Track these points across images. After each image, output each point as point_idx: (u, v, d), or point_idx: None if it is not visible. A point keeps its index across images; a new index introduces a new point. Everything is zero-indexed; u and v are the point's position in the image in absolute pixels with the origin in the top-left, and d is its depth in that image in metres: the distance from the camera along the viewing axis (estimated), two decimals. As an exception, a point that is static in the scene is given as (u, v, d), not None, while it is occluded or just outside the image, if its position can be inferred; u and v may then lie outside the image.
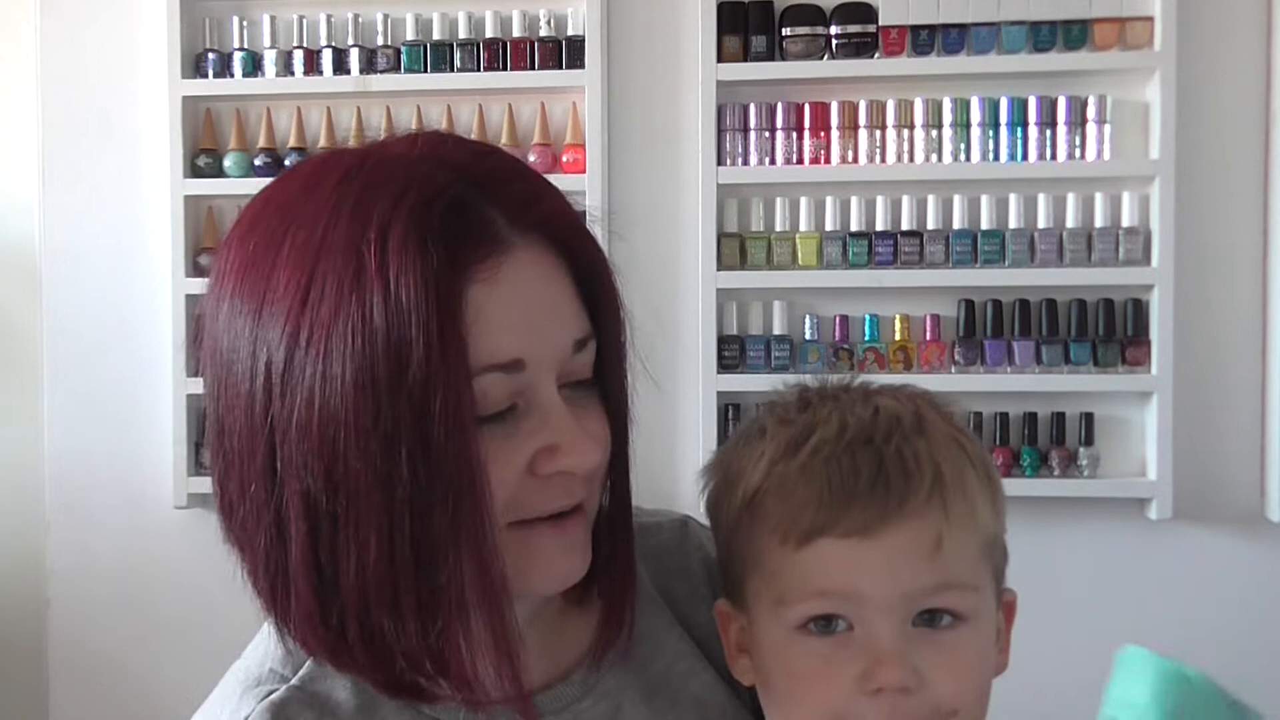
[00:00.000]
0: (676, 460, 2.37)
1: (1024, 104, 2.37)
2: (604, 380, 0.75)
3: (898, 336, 2.41)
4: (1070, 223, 2.37)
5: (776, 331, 2.42)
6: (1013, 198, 2.38)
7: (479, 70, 2.45)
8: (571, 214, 0.74)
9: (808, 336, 2.43)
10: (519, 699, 0.71)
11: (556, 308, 0.71)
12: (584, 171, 2.41)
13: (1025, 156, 2.38)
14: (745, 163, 2.42)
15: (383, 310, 0.65)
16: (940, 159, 2.39)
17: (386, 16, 2.49)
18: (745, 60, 2.41)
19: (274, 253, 0.69)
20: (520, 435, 0.70)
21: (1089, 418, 2.39)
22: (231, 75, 2.51)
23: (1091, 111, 2.36)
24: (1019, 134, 2.38)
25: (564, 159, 2.44)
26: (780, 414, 0.77)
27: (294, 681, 0.75)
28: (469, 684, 0.70)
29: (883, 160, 2.40)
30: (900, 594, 0.71)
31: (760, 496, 0.74)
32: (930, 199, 2.39)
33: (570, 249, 0.72)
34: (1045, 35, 2.37)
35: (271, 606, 0.72)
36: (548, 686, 0.79)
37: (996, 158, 2.38)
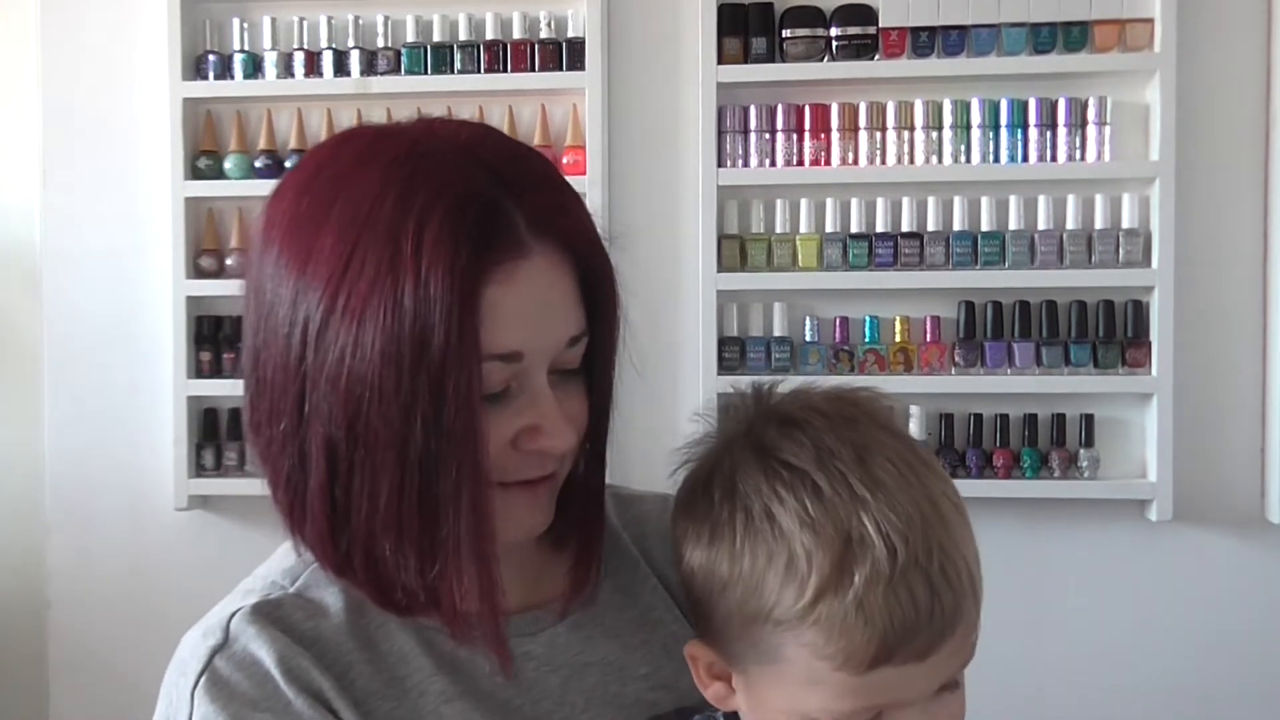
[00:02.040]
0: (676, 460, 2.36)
1: (1024, 106, 2.38)
2: (593, 371, 0.84)
3: (898, 338, 2.41)
4: (1070, 224, 2.37)
5: (777, 333, 2.43)
6: (1013, 199, 2.38)
7: (479, 72, 2.45)
8: (588, 227, 0.82)
9: (808, 338, 2.43)
10: (496, 639, 0.81)
11: (558, 309, 0.79)
12: (584, 173, 2.41)
13: (1025, 158, 2.38)
14: (745, 164, 2.42)
15: (413, 295, 0.73)
16: (940, 161, 2.40)
17: (387, 18, 2.49)
18: (745, 62, 2.41)
19: (322, 218, 0.77)
20: (510, 413, 0.79)
21: (1089, 419, 2.39)
22: (232, 77, 2.52)
23: (1091, 113, 2.37)
24: (1019, 136, 2.38)
25: (564, 160, 2.44)
26: (792, 508, 0.75)
27: (291, 590, 0.84)
28: (456, 620, 0.80)
29: (883, 162, 2.40)
30: (934, 689, 0.76)
31: (803, 623, 0.74)
32: (930, 201, 2.39)
33: (581, 257, 0.81)
34: (1045, 37, 2.37)
35: (288, 521, 0.82)
36: (526, 610, 0.88)
37: (997, 159, 2.38)
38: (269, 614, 0.82)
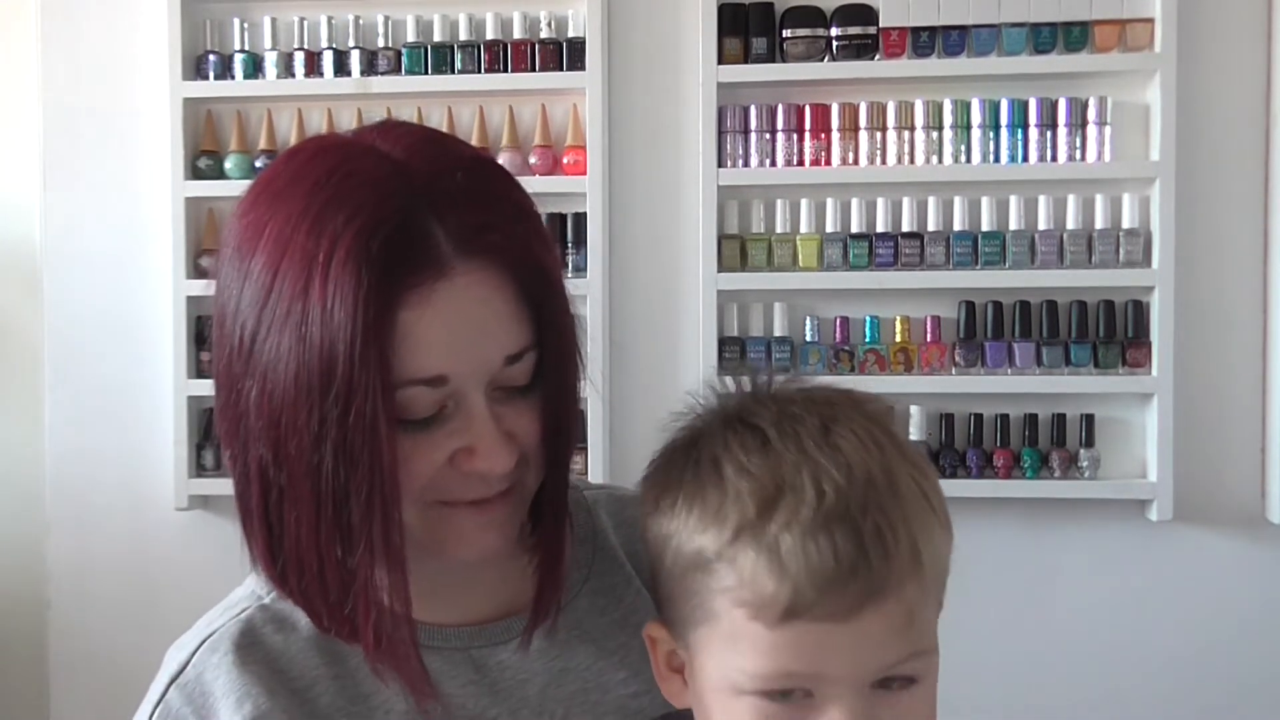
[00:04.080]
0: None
1: (1024, 106, 2.38)
2: (543, 385, 0.80)
3: (898, 338, 2.41)
4: (1070, 224, 2.37)
5: (777, 333, 2.43)
6: (1013, 199, 2.38)
7: (480, 72, 2.45)
8: (522, 239, 0.78)
9: (808, 338, 2.43)
10: (409, 673, 0.80)
11: (489, 327, 0.76)
12: (584, 173, 2.41)
13: (1026, 158, 2.38)
14: (746, 164, 2.42)
15: (319, 323, 0.73)
16: (941, 161, 2.40)
17: (387, 18, 2.49)
18: (746, 62, 2.41)
19: (258, 238, 0.77)
20: (444, 435, 0.77)
21: (1089, 419, 2.39)
22: (232, 77, 2.52)
23: (1092, 113, 2.37)
24: (1019, 136, 2.38)
25: (565, 160, 2.44)
26: (738, 457, 0.73)
27: (265, 600, 0.85)
28: (372, 657, 0.79)
29: (883, 162, 2.41)
30: (868, 673, 0.71)
31: (721, 562, 0.72)
32: (931, 200, 2.39)
33: (518, 272, 0.77)
34: (1046, 37, 2.37)
35: (243, 536, 0.82)
36: (501, 617, 0.87)
37: (997, 159, 2.38)
38: (238, 641, 0.83)
